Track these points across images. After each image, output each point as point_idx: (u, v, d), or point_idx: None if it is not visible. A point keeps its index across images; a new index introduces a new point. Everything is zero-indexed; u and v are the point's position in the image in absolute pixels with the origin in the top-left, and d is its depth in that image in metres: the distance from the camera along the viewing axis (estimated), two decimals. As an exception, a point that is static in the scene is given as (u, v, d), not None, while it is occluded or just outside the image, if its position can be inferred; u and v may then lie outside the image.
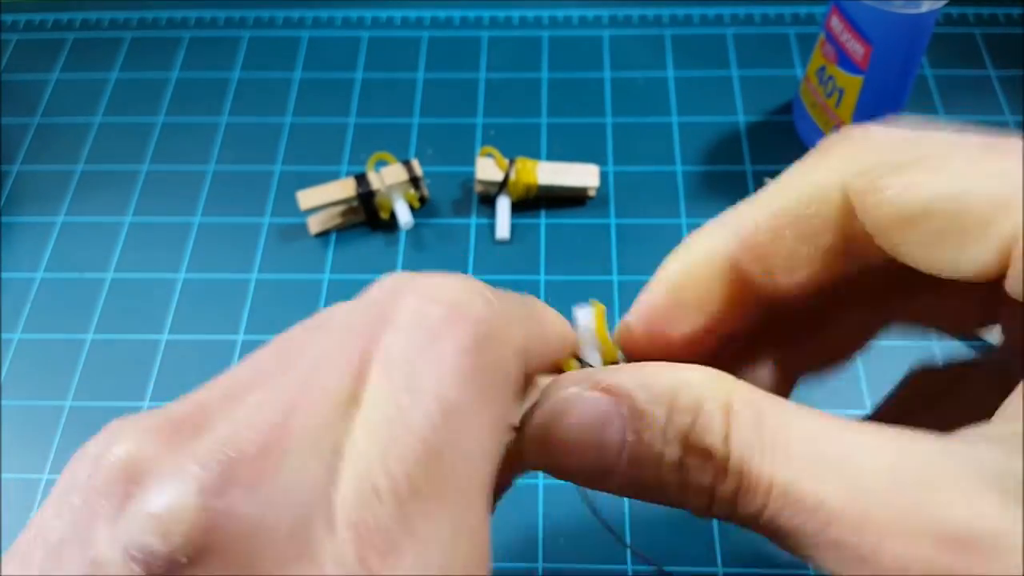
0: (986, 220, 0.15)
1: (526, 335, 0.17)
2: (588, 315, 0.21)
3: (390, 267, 0.44)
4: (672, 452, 0.16)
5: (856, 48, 0.41)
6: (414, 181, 0.44)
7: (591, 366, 0.21)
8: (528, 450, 0.18)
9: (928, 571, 0.13)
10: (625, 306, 0.42)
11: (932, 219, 0.15)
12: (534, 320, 0.19)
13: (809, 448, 0.15)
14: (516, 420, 0.17)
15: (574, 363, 0.21)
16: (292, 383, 0.15)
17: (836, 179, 0.17)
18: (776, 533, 0.15)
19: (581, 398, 0.17)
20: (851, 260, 0.18)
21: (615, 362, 0.21)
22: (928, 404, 0.24)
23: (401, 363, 0.15)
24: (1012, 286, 0.15)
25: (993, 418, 0.15)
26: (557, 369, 0.21)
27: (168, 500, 0.13)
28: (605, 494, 0.18)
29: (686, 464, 0.15)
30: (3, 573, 0.14)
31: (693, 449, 0.15)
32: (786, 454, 0.15)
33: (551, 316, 0.20)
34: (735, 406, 0.15)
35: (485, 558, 0.14)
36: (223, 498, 0.13)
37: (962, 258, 0.15)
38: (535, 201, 0.46)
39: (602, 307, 0.21)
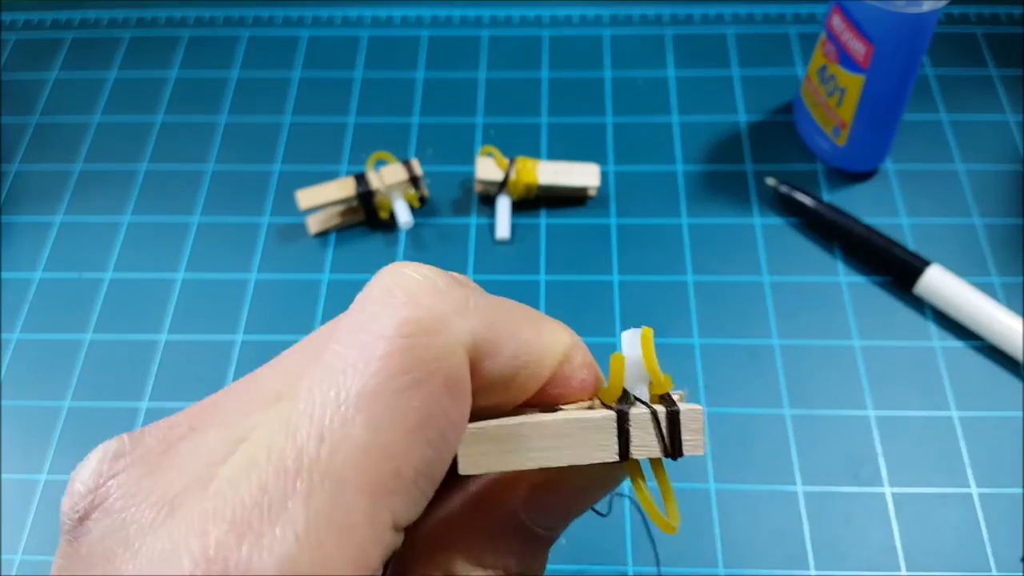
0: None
1: (487, 329, 0.16)
2: (635, 341, 0.18)
3: (390, 267, 0.44)
4: None
5: (858, 47, 0.40)
6: (414, 181, 0.44)
7: (639, 399, 0.18)
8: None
9: None
10: (626, 307, 0.42)
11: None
12: (508, 317, 0.17)
13: None
14: (457, 414, 0.16)
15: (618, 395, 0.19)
16: (244, 382, 0.17)
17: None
18: None
19: None
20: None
21: (666, 394, 0.18)
22: None
23: (331, 351, 0.15)
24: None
25: None
26: (587, 396, 0.19)
27: (79, 471, 0.16)
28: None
29: None
30: None
31: None
32: None
33: (540, 319, 0.19)
34: None
35: (360, 561, 0.14)
36: (115, 466, 0.15)
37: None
38: (535, 201, 0.46)
39: (649, 331, 0.18)
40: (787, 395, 0.39)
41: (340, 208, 0.45)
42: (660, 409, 0.18)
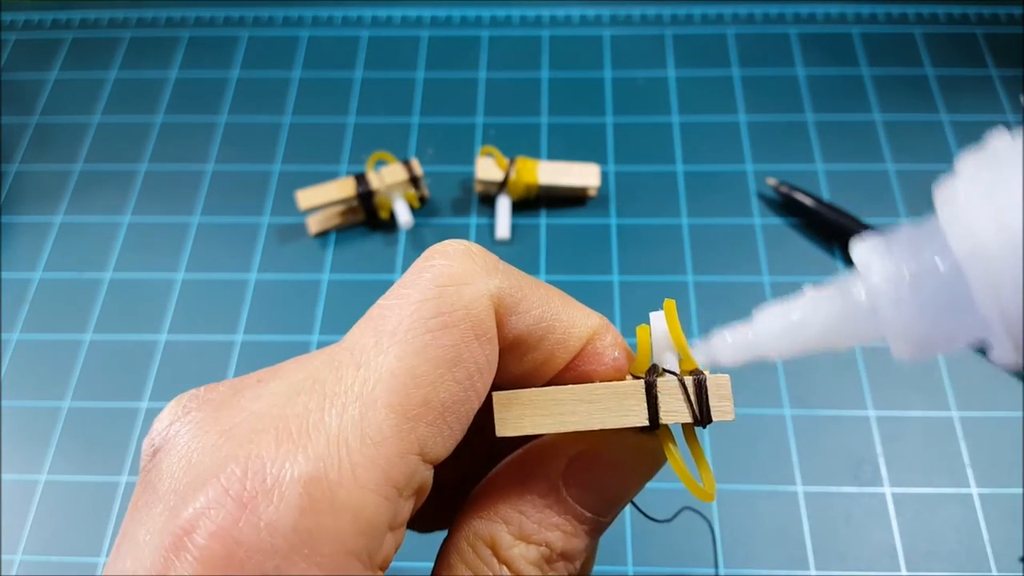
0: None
1: (513, 288, 0.18)
2: (661, 317, 0.19)
3: (390, 267, 0.44)
4: None
5: None
6: (414, 181, 0.44)
7: (670, 371, 0.19)
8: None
9: None
10: (627, 306, 0.42)
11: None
12: (536, 285, 0.19)
13: None
14: (483, 359, 0.17)
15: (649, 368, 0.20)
16: (310, 353, 0.19)
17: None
18: None
19: None
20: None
21: (695, 369, 0.19)
22: None
23: (376, 306, 0.17)
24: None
25: None
26: (620, 375, 0.20)
27: (158, 416, 0.18)
28: None
29: None
30: None
31: None
32: None
33: (572, 300, 0.20)
34: None
35: (386, 475, 0.15)
36: (189, 406, 0.18)
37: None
38: (535, 201, 0.46)
39: (672, 303, 0.19)
40: (787, 395, 0.39)
41: (340, 208, 0.45)
42: (687, 377, 0.18)
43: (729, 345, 0.17)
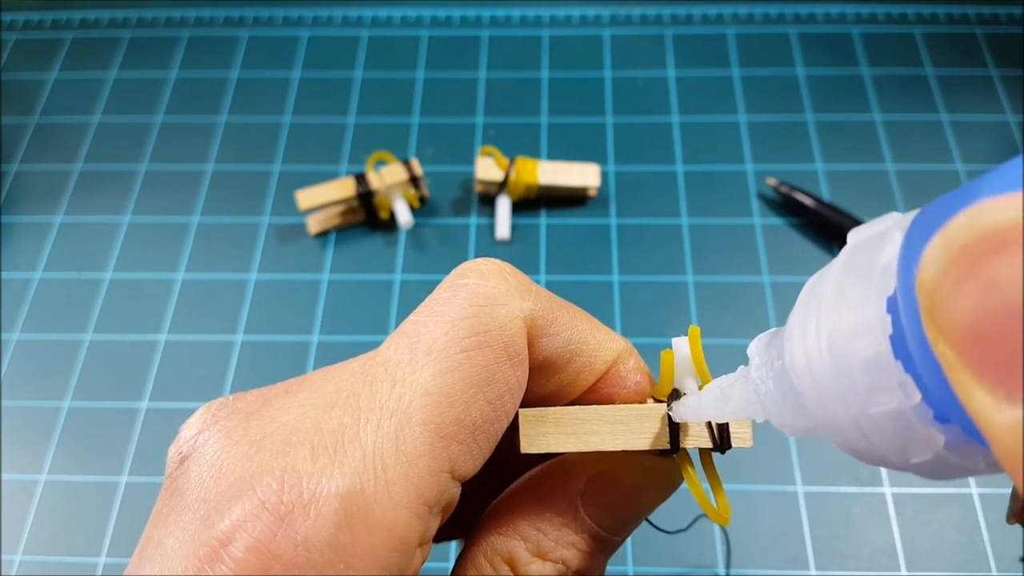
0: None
1: (545, 310, 0.18)
2: (685, 342, 0.20)
3: (390, 267, 0.44)
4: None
5: None
6: (414, 181, 0.44)
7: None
8: None
9: None
10: (627, 306, 0.42)
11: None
12: (566, 308, 0.19)
13: None
14: (514, 380, 0.17)
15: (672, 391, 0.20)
16: (337, 364, 0.19)
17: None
18: None
19: None
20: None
21: None
22: None
23: (409, 321, 0.18)
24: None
25: None
26: (641, 398, 0.20)
27: (186, 423, 0.18)
28: None
29: None
30: None
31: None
32: None
33: (598, 322, 0.20)
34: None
35: (419, 491, 0.16)
36: (218, 414, 0.18)
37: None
38: (535, 201, 0.46)
39: (697, 329, 0.19)
40: (787, 395, 0.39)
41: (340, 208, 0.45)
42: None
43: (689, 408, 0.18)
